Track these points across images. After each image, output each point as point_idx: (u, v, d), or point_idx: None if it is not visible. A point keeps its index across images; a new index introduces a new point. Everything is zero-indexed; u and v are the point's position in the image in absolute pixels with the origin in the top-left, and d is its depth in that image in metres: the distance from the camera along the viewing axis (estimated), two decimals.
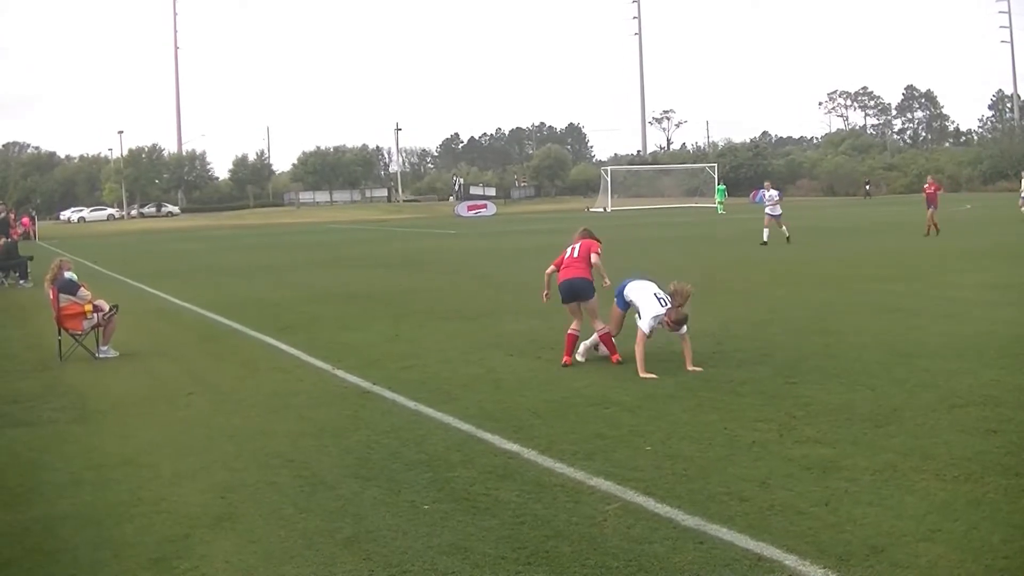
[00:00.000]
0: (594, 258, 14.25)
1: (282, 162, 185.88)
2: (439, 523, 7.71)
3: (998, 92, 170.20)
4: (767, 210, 38.66)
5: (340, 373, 14.05)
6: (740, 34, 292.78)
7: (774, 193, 39.03)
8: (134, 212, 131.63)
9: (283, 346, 16.67)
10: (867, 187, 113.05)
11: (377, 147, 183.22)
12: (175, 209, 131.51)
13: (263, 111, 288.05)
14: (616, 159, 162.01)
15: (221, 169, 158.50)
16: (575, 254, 14.33)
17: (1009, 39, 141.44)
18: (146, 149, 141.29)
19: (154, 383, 14.16)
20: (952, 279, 23.20)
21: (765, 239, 37.48)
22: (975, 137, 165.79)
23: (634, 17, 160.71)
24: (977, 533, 7.03)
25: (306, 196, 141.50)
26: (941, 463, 8.71)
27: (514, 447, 9.79)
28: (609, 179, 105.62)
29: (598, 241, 14.71)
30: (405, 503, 8.26)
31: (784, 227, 38.22)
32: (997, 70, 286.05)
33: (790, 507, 7.71)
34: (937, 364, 12.96)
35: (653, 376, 12.86)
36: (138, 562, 7.22)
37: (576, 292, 14.04)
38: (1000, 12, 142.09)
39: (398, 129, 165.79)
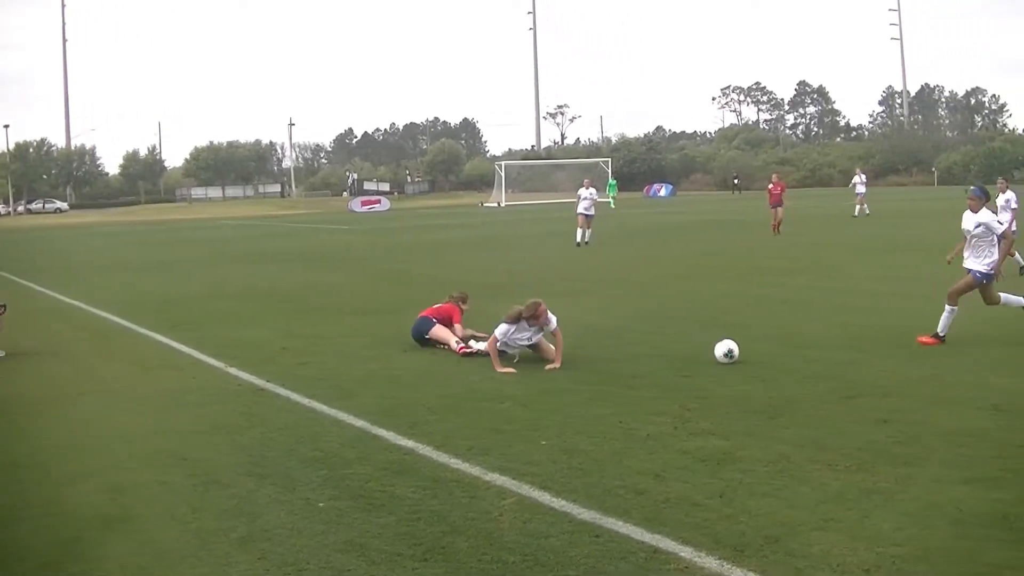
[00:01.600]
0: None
1: (174, 158, 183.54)
2: (335, 520, 7.63)
3: (888, 88, 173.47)
4: (581, 209, 36.70)
5: (233, 370, 13.86)
6: (634, 29, 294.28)
7: (589, 192, 37.05)
8: (20, 208, 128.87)
9: (176, 344, 16.41)
10: (735, 181, 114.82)
11: (271, 142, 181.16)
12: (63, 205, 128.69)
13: (155, 106, 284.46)
14: (511, 154, 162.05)
15: (112, 165, 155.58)
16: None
17: (899, 36, 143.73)
18: (34, 144, 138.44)
19: (44, 383, 13.83)
20: (845, 271, 23.58)
21: (579, 240, 36.32)
22: (866, 132, 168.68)
23: (529, 12, 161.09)
24: (869, 521, 7.12)
25: (198, 192, 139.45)
26: (834, 453, 8.82)
27: (410, 443, 9.73)
28: (503, 174, 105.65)
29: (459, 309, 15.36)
30: (300, 501, 8.17)
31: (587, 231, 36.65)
32: (887, 66, 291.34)
33: (685, 499, 7.75)
34: (830, 355, 13.14)
35: (511, 371, 13.04)
36: (28, 567, 7.04)
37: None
38: (890, 10, 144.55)
39: (291, 124, 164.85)
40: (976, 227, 13.78)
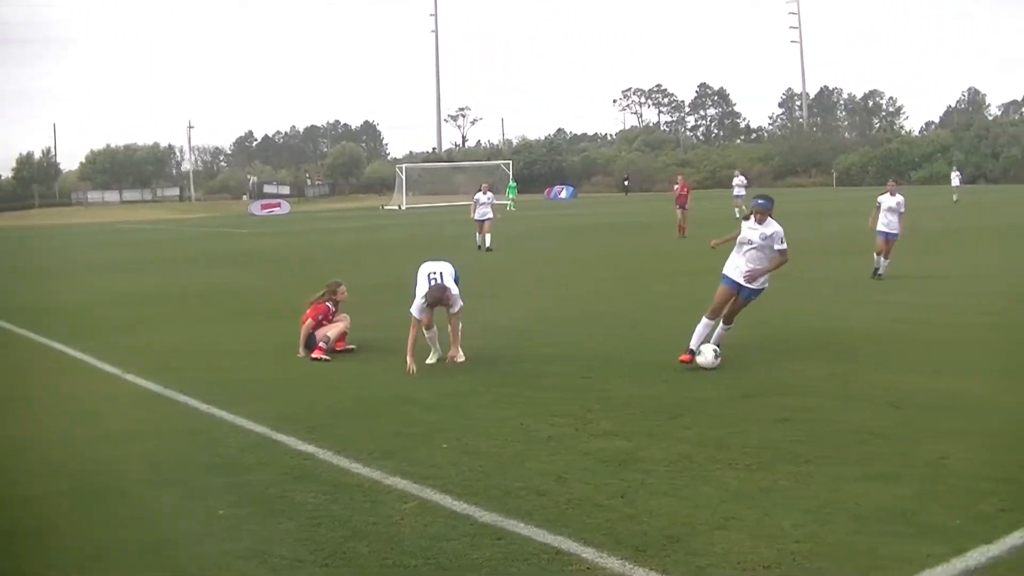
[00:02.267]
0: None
1: (70, 161, 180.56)
2: (236, 528, 7.53)
3: (788, 90, 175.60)
4: (478, 216, 36.06)
5: (131, 377, 13.63)
6: (536, 32, 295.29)
7: (487, 197, 36.58)
8: None
9: (72, 351, 16.07)
10: (626, 182, 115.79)
11: (169, 145, 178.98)
12: None
13: (49, 108, 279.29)
14: (412, 156, 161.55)
15: (3, 167, 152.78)
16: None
17: (798, 39, 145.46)
18: None
19: None
20: None
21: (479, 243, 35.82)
22: (766, 134, 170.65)
23: (431, 14, 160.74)
24: (769, 519, 7.18)
25: (95, 195, 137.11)
26: (735, 452, 8.89)
27: (310, 448, 9.63)
28: (404, 177, 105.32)
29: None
30: (200, 508, 8.04)
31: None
32: (787, 69, 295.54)
33: (587, 500, 7.76)
34: (732, 354, 13.22)
35: (413, 367, 12.90)
36: None
37: None
38: (791, 13, 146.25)
39: (191, 127, 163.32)
40: (764, 239, 12.81)
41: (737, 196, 50.57)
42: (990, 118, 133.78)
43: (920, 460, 8.52)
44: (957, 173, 66.73)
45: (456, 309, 13.21)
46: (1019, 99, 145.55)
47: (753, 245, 12.88)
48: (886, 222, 22.18)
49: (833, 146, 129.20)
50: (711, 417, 10.21)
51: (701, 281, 21.91)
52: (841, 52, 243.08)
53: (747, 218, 13.07)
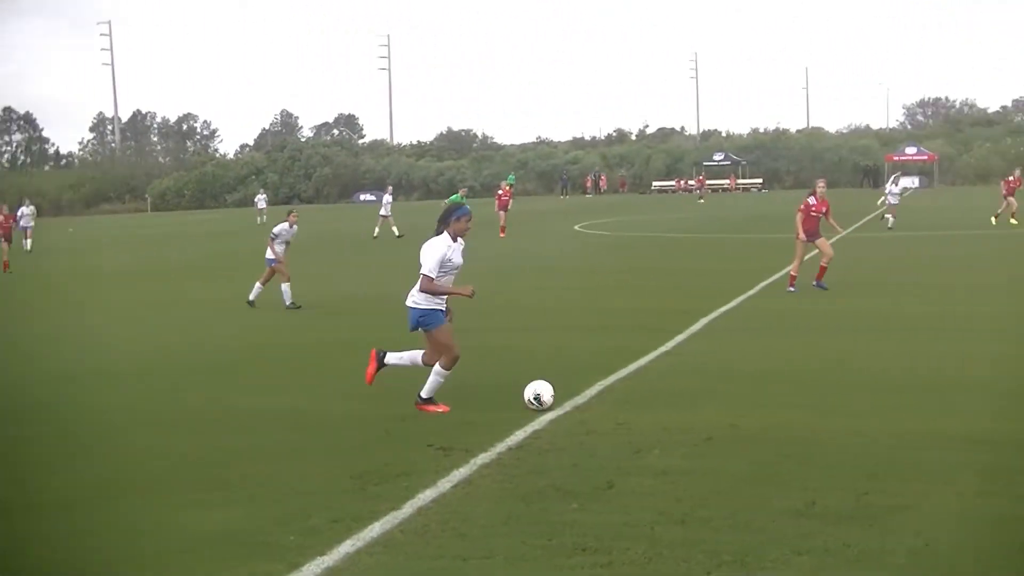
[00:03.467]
0: None
1: None
2: None
3: (99, 114, 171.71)
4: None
5: None
6: None
7: None
8: None
9: None
10: None
11: None
12: None
13: None
14: None
15: None
16: None
17: (111, 62, 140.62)
18: None
19: None
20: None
21: None
22: (76, 160, 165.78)
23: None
24: None
25: None
26: None
27: None
28: None
29: None
30: None
31: None
32: (98, 93, 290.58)
33: None
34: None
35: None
36: None
37: None
38: (102, 35, 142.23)
39: None
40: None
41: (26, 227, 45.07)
42: (303, 139, 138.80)
43: (251, 481, 8.50)
44: (263, 195, 67.89)
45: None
46: (331, 120, 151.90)
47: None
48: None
49: (147, 171, 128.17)
50: None
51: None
52: (154, 76, 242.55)
53: None
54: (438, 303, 10.60)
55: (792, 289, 19.70)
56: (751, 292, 19.88)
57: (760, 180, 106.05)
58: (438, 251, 10.56)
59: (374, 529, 7.12)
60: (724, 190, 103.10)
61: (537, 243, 36.79)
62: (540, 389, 10.77)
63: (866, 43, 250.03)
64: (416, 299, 10.54)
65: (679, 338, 14.71)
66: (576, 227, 45.46)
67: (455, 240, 10.76)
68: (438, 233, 10.70)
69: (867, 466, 8.29)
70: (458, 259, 10.82)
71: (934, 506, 7.31)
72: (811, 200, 20.40)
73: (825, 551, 6.50)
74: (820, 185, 20.89)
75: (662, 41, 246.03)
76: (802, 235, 20.13)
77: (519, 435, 9.58)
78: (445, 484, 8.14)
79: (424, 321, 10.57)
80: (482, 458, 8.85)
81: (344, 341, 15.50)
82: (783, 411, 10.34)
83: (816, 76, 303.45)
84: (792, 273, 20.02)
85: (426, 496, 7.84)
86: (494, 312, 17.71)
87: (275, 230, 20.07)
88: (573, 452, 8.99)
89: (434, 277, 10.41)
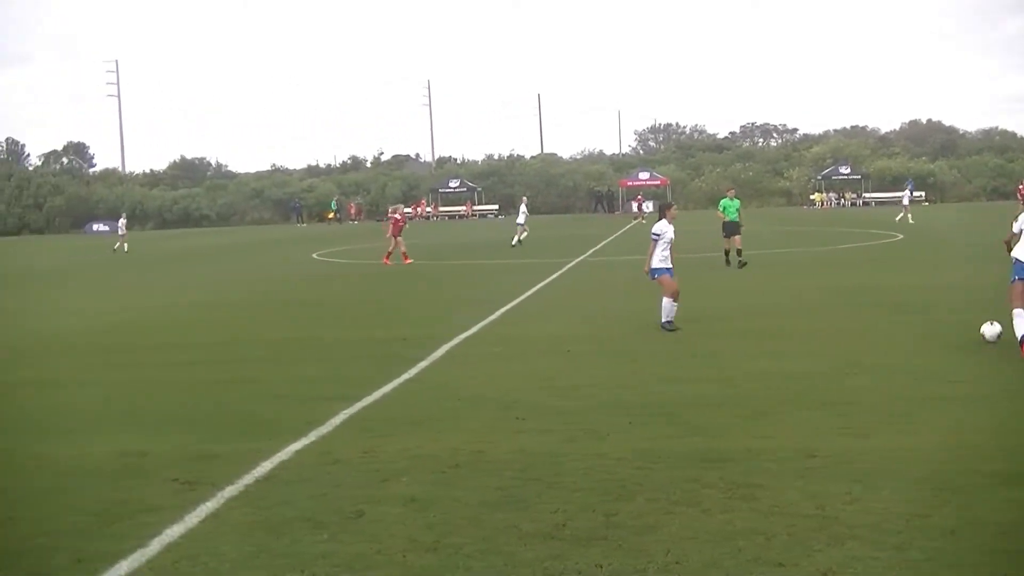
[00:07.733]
0: None
1: None
2: None
3: None
4: None
5: None
6: None
7: None
8: None
9: None
10: None
11: None
12: None
13: None
14: None
15: None
16: None
17: None
18: None
19: None
20: None
21: None
22: None
23: None
24: None
25: None
26: None
27: None
28: None
29: None
30: None
31: None
32: None
33: None
34: None
35: None
36: None
37: None
38: None
39: None
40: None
41: None
42: (31, 168, 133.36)
43: None
44: None
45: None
46: (60, 148, 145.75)
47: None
48: None
49: None
50: None
51: None
52: None
53: None
54: None
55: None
56: (492, 317, 20.00)
57: (497, 206, 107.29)
58: None
59: (121, 567, 6.91)
60: (460, 216, 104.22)
61: (275, 272, 36.32)
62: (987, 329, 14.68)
63: (597, 69, 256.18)
64: None
65: (422, 364, 14.68)
66: (314, 255, 45.09)
67: None
68: None
69: (613, 488, 8.40)
70: None
71: (681, 525, 7.43)
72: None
73: (577, 572, 6.55)
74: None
75: (395, 67, 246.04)
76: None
77: (265, 466, 9.40)
78: (192, 519, 7.93)
79: None
80: (229, 491, 8.66)
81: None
82: (528, 436, 10.38)
83: (549, 102, 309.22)
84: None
85: (173, 532, 7.62)
86: (238, 343, 17.44)
87: None
88: (320, 482, 8.87)
89: None
